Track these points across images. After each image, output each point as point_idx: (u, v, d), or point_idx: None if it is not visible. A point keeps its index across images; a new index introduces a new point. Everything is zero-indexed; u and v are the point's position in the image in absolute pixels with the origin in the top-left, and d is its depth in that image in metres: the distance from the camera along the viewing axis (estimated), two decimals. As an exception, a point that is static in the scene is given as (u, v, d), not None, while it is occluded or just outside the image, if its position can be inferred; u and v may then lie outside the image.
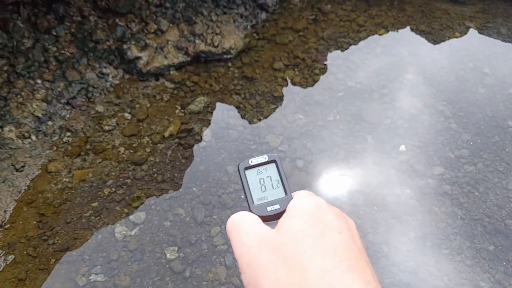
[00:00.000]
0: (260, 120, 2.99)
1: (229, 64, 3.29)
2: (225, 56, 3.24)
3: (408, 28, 3.73)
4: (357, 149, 2.87)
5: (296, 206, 0.57)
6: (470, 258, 2.40)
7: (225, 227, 2.42)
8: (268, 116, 3.02)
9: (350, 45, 3.55)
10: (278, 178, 0.64)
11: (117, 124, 2.86)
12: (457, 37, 3.69)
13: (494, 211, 2.58)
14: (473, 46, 3.66)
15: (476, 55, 3.57)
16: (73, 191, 2.58)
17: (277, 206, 0.60)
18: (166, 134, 2.81)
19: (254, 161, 0.65)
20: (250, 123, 2.97)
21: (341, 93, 3.20)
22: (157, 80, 3.10)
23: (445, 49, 3.61)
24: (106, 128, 2.83)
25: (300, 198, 0.59)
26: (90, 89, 2.97)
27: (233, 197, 2.56)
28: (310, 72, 3.31)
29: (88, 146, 2.76)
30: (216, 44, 3.16)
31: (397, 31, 3.71)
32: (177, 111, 2.97)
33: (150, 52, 3.04)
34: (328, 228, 0.52)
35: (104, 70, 3.03)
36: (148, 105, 2.98)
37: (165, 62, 3.05)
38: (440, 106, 3.13)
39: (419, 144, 2.90)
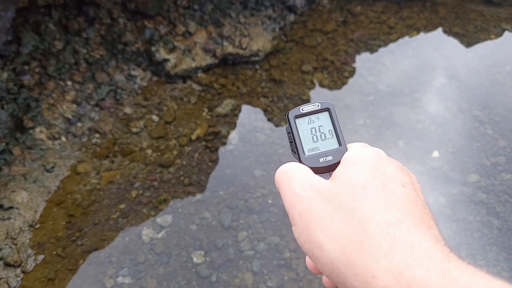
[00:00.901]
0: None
1: (257, 66, 3.25)
2: (252, 59, 3.21)
3: (440, 30, 3.62)
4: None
5: (353, 156, 0.52)
6: (507, 270, 2.30)
7: (252, 232, 2.39)
8: (296, 119, 2.97)
9: (381, 47, 3.48)
10: (332, 127, 0.58)
11: (145, 126, 2.87)
12: (492, 39, 3.57)
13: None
14: (509, 49, 3.53)
15: (510, 58, 3.44)
16: (101, 192, 2.59)
17: (330, 158, 0.55)
18: (193, 137, 2.79)
19: (305, 108, 0.60)
20: (277, 126, 2.93)
21: (371, 97, 3.13)
22: (184, 82, 3.10)
23: (480, 52, 3.49)
24: (134, 130, 2.84)
25: (357, 149, 0.54)
26: (119, 91, 2.98)
27: (260, 202, 2.52)
28: (339, 75, 3.25)
29: (116, 148, 2.77)
30: (244, 46, 3.14)
31: (430, 33, 3.61)
32: (204, 113, 2.95)
33: (178, 54, 3.03)
34: (390, 180, 0.48)
35: (133, 72, 3.04)
36: (176, 107, 2.98)
37: (193, 65, 3.04)
38: (475, 111, 3.02)
39: (453, 150, 2.80)
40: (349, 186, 0.48)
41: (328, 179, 0.51)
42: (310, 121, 0.60)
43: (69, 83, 2.89)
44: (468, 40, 3.56)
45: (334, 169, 0.53)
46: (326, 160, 0.55)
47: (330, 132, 0.58)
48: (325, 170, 0.55)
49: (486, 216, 2.50)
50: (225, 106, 2.99)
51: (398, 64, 3.37)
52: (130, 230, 2.43)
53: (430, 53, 3.45)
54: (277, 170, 0.54)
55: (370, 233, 0.43)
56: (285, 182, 0.52)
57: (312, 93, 3.12)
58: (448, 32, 3.62)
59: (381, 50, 3.46)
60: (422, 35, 3.59)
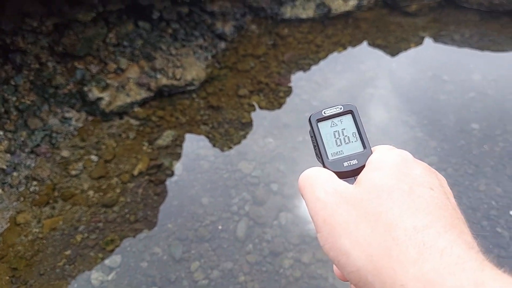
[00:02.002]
0: (230, 148, 2.98)
1: (194, 95, 3.29)
2: (188, 88, 3.24)
3: (365, 43, 3.83)
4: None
5: (378, 160, 0.51)
6: None
7: (204, 261, 2.37)
8: (238, 143, 3.01)
9: (311, 65, 3.62)
10: (355, 130, 0.57)
11: (84, 168, 2.80)
12: (412, 48, 3.81)
13: (469, 214, 2.62)
14: (429, 55, 3.78)
15: (433, 63, 3.68)
16: (44, 241, 2.48)
17: (354, 161, 0.54)
18: (135, 172, 2.76)
19: (327, 112, 0.58)
20: (221, 152, 2.96)
21: (307, 114, 3.23)
22: (121, 118, 3.07)
23: (403, 61, 3.71)
24: (73, 172, 2.76)
25: (382, 151, 0.53)
26: (54, 135, 2.90)
27: (210, 229, 2.51)
28: (275, 96, 3.34)
29: (56, 193, 2.68)
30: (178, 77, 3.16)
31: (355, 48, 3.80)
32: (144, 147, 2.93)
33: (112, 91, 3.01)
34: (418, 184, 0.46)
35: (67, 115, 2.98)
36: (115, 144, 2.94)
37: (128, 100, 3.03)
38: (404, 117, 3.19)
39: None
40: (375, 191, 0.46)
41: (353, 183, 0.50)
42: (333, 124, 0.58)
43: (0, 132, 2.78)
44: (391, 51, 3.78)
45: (359, 173, 0.51)
46: (351, 164, 0.54)
47: (354, 135, 0.57)
48: (350, 174, 0.54)
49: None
50: (166, 137, 2.98)
51: (328, 80, 3.51)
52: (78, 276, 2.34)
53: (357, 66, 3.63)
54: (301, 175, 0.53)
55: (398, 239, 0.41)
56: (309, 187, 0.51)
57: (251, 116, 3.18)
58: (372, 45, 3.82)
59: (312, 68, 3.60)
60: (348, 50, 3.78)
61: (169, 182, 2.77)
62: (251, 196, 2.66)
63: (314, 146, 0.59)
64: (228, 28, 3.67)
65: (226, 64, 3.55)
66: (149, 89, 3.12)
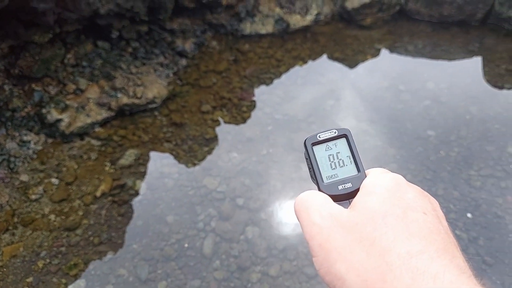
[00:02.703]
0: (195, 164, 2.98)
1: (156, 113, 3.27)
2: (150, 106, 3.23)
3: (323, 57, 3.92)
4: (293, 178, 2.92)
5: (372, 184, 0.51)
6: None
7: (171, 280, 2.34)
8: (202, 159, 3.01)
9: (272, 79, 3.67)
10: (350, 154, 0.58)
11: (45, 191, 2.73)
12: (369, 59, 3.93)
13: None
14: (385, 66, 3.90)
15: (389, 74, 3.80)
16: (5, 269, 2.40)
17: (349, 185, 0.54)
18: (98, 194, 2.71)
19: (322, 136, 0.59)
20: (185, 168, 2.95)
21: (270, 127, 3.27)
22: (82, 139, 3.02)
23: (361, 72, 3.82)
24: (33, 197, 2.69)
25: (376, 175, 0.53)
26: (12, 159, 2.83)
27: (176, 248, 2.49)
28: (238, 111, 3.37)
29: (15, 219, 2.60)
30: (139, 95, 3.15)
31: (315, 61, 3.89)
32: (107, 168, 2.89)
33: (71, 112, 2.97)
34: (411, 208, 0.47)
35: (25, 138, 2.91)
36: (76, 166, 2.88)
37: (88, 121, 2.99)
38: (364, 126, 3.28)
39: (350, 165, 3.00)
40: (369, 215, 0.47)
41: (347, 206, 0.51)
42: (328, 148, 0.59)
43: (-47, 159, 2.69)
44: (349, 63, 3.88)
45: (353, 196, 0.52)
46: (345, 187, 0.54)
47: (348, 159, 0.58)
48: (345, 197, 0.54)
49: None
50: (128, 157, 2.95)
51: (290, 93, 3.57)
52: (40, 304, 2.27)
53: (318, 79, 3.71)
54: (296, 199, 0.53)
55: (392, 264, 0.42)
56: (304, 211, 0.51)
57: (215, 131, 3.19)
58: (331, 58, 3.92)
59: (273, 82, 3.66)
60: (308, 63, 3.86)
61: (133, 202, 2.73)
62: (217, 211, 2.66)
63: (309, 169, 0.59)
64: (188, 45, 3.69)
65: (188, 80, 3.56)
66: (109, 108, 3.08)
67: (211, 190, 2.80)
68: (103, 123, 3.11)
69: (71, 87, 3.05)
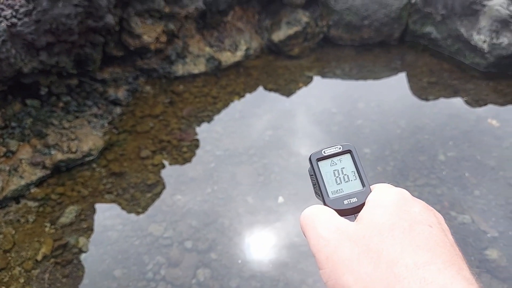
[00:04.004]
0: (138, 212, 2.93)
1: (94, 165, 3.21)
2: (87, 159, 3.17)
3: (258, 89, 4.02)
4: (240, 213, 2.93)
5: (378, 198, 0.52)
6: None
7: (124, 337, 2.26)
8: (146, 206, 2.97)
9: (210, 117, 3.71)
10: (354, 169, 0.59)
11: (-20, 263, 2.58)
12: (301, 87, 4.06)
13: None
14: (317, 91, 4.05)
15: (322, 98, 3.95)
16: None
17: (354, 199, 0.55)
18: (39, 257, 2.60)
19: (327, 151, 0.60)
20: (129, 219, 2.89)
21: (212, 164, 3.29)
22: (18, 203, 2.90)
23: (295, 100, 3.94)
24: (-32, 271, 2.54)
25: (381, 189, 0.54)
26: None
27: (127, 301, 2.41)
28: (178, 152, 3.37)
29: (-51, 298, 2.43)
30: (74, 150, 3.08)
31: (250, 94, 3.98)
32: (47, 229, 2.78)
33: (3, 176, 2.85)
34: (417, 221, 0.48)
35: (-46, 209, 2.76)
36: (13, 232, 2.75)
37: (22, 182, 2.88)
38: (303, 152, 3.36)
39: (294, 192, 3.06)
40: (376, 228, 0.47)
41: (353, 221, 0.51)
42: (333, 163, 0.60)
43: None
44: (283, 93, 4.00)
45: (359, 211, 0.53)
46: (351, 202, 0.55)
47: (353, 174, 0.59)
48: (350, 212, 0.55)
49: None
50: (69, 214, 2.86)
51: (229, 128, 3.62)
52: None
53: (254, 111, 3.79)
54: (302, 214, 0.54)
55: (399, 275, 0.42)
56: (311, 225, 0.51)
57: (156, 176, 3.16)
58: (265, 89, 4.03)
59: (212, 119, 3.70)
60: (244, 97, 3.94)
61: (78, 260, 2.63)
62: (166, 258, 2.62)
63: (314, 185, 0.61)
64: (121, 93, 3.68)
65: (124, 128, 3.53)
66: (44, 167, 2.99)
67: (157, 237, 2.75)
68: (39, 182, 3.01)
69: (1, 150, 2.94)
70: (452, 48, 4.09)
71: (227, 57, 4.16)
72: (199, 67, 4.05)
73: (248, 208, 2.96)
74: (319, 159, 0.61)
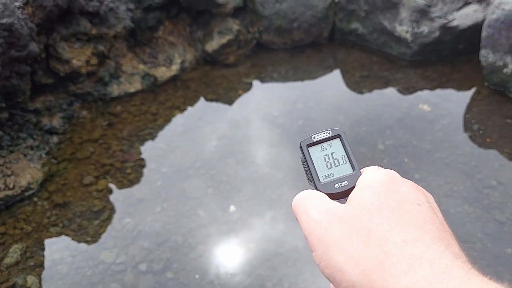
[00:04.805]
0: (88, 241, 2.84)
1: (35, 199, 3.08)
2: (27, 194, 3.03)
3: (198, 101, 4.01)
4: (193, 228, 2.91)
5: (367, 179, 0.53)
6: None
7: None
8: (95, 234, 2.88)
9: (152, 134, 3.66)
10: (344, 153, 0.59)
11: None
12: (241, 94, 4.10)
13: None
14: (257, 97, 4.10)
15: (262, 103, 4.00)
16: None
17: (345, 183, 0.56)
18: (-16, 304, 2.46)
19: (317, 137, 0.61)
20: (78, 249, 2.79)
21: (159, 182, 3.24)
22: (-46, 250, 2.73)
23: (237, 108, 3.97)
24: None
25: (370, 172, 0.55)
26: None
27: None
28: (123, 174, 3.29)
29: None
30: (11, 186, 2.95)
31: (190, 107, 3.96)
32: (-10, 273, 2.63)
33: None
34: (406, 200, 0.49)
35: None
36: (-47, 281, 2.59)
37: (-43, 228, 2.72)
38: (250, 158, 3.39)
39: (245, 198, 3.07)
40: (365, 208, 0.48)
41: (344, 203, 0.52)
42: (323, 148, 0.60)
43: None
44: (223, 101, 4.02)
45: (349, 194, 0.53)
46: (342, 185, 0.56)
47: (343, 158, 0.59)
48: (341, 195, 0.56)
49: (294, 242, 2.78)
50: (13, 253, 2.72)
51: (172, 143, 3.59)
52: None
53: (197, 123, 3.78)
54: (294, 199, 0.54)
55: (389, 252, 0.43)
56: (302, 209, 0.52)
57: (102, 202, 3.08)
58: (205, 100, 4.03)
59: (154, 136, 3.65)
60: (184, 111, 3.92)
61: (27, 301, 2.52)
62: (121, 284, 2.55)
63: (306, 171, 0.61)
64: (56, 121, 3.56)
65: (63, 157, 3.41)
66: (-20, 208, 2.84)
67: (109, 264, 2.68)
68: (-24, 225, 2.85)
69: None
70: (378, 41, 4.27)
71: (163, 72, 4.12)
72: (135, 85, 3.99)
73: (200, 222, 2.94)
74: (309, 145, 0.62)
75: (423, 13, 3.86)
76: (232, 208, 3.01)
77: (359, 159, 2.79)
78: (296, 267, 2.63)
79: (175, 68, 4.19)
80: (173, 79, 4.23)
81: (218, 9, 4.21)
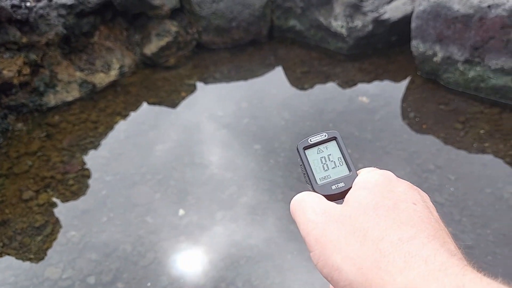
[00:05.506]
0: (31, 259, 2.71)
1: (-30, 220, 2.90)
2: (-40, 215, 2.86)
3: (140, 105, 3.93)
4: (141, 235, 2.85)
5: (363, 180, 0.54)
6: None
7: None
8: (38, 250, 2.76)
9: (94, 143, 3.55)
10: (341, 155, 0.60)
11: None
12: (185, 96, 4.06)
13: (280, 224, 2.87)
14: (201, 98, 4.07)
15: (206, 104, 3.98)
16: None
17: (342, 184, 0.57)
18: None
19: (313, 139, 0.62)
20: (21, 268, 2.66)
21: (104, 191, 3.15)
22: None
23: (180, 110, 3.92)
24: None
25: (366, 173, 0.56)
26: None
27: None
28: (64, 186, 3.17)
29: None
30: None
31: (133, 112, 3.88)
32: None
33: None
34: (401, 200, 0.49)
35: None
36: None
37: None
38: (196, 160, 3.36)
39: (194, 201, 3.05)
40: (361, 208, 0.49)
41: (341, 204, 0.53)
42: (319, 151, 0.61)
43: None
44: (167, 104, 3.96)
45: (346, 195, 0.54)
46: (338, 187, 0.57)
47: (339, 160, 0.60)
48: (338, 196, 0.57)
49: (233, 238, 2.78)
50: None
51: (115, 150, 3.49)
52: None
53: (140, 128, 3.70)
54: (292, 200, 0.55)
55: (385, 251, 0.43)
56: (300, 210, 0.53)
57: (44, 217, 2.95)
58: (147, 103, 3.95)
59: (95, 145, 3.54)
60: (126, 116, 3.83)
61: (-33, 328, 2.37)
62: (68, 300, 2.46)
63: (304, 174, 0.62)
64: (-11, 136, 3.37)
65: (-1, 173, 3.24)
66: None
67: (55, 280, 2.57)
68: None
69: None
70: (316, 37, 4.37)
71: (101, 79, 4.01)
72: (73, 94, 3.85)
73: (149, 229, 2.88)
74: (306, 148, 0.63)
75: (356, 8, 3.98)
76: (182, 212, 2.98)
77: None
78: (249, 265, 2.64)
79: (114, 74, 4.08)
80: (113, 84, 4.12)
81: (154, 11, 4.14)
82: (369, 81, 4.05)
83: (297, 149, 0.64)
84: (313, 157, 0.62)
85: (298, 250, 2.69)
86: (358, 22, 4.01)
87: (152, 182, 3.19)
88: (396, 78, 4.04)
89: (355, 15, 4.01)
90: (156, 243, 2.79)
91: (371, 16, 3.96)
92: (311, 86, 4.07)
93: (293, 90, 4.08)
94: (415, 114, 3.62)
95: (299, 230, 0.53)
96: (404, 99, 3.80)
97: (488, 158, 3.15)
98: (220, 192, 3.11)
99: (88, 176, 3.27)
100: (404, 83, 3.98)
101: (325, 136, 0.63)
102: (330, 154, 0.62)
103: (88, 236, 2.84)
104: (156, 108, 3.94)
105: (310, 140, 0.63)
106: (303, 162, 0.62)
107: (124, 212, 2.99)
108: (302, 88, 4.07)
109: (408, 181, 0.55)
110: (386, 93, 3.91)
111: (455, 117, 3.50)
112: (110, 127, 3.71)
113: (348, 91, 3.98)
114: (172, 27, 4.26)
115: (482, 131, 3.33)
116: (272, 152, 3.41)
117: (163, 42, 4.20)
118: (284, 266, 2.62)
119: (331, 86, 4.06)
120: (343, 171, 0.60)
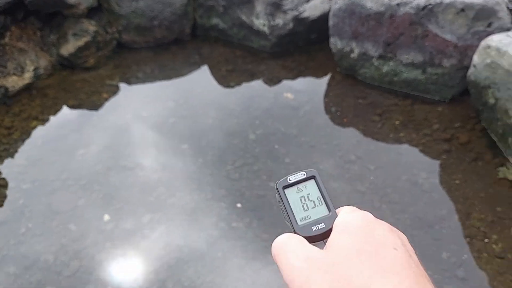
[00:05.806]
0: None
1: None
2: None
3: (59, 109, 3.75)
4: (64, 243, 2.72)
5: (343, 222, 0.54)
6: None
7: None
8: None
9: (8, 150, 3.34)
10: (319, 194, 0.60)
11: None
12: (107, 98, 3.92)
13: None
14: (124, 99, 3.95)
15: (130, 105, 3.87)
16: None
17: (322, 225, 0.56)
18: None
19: (292, 178, 0.61)
20: None
21: (21, 200, 2.97)
22: None
23: (102, 112, 3.78)
24: None
25: (346, 213, 0.56)
26: None
27: None
28: (-24, 198, 2.95)
29: None
30: None
31: (51, 116, 3.69)
32: None
33: None
34: (381, 244, 0.50)
35: None
36: None
37: None
38: (122, 163, 3.26)
39: (119, 206, 2.95)
40: (343, 255, 0.49)
41: (322, 247, 0.52)
42: (299, 190, 0.61)
43: None
44: (87, 106, 3.80)
45: (327, 236, 0.54)
46: (319, 228, 0.56)
47: (319, 199, 0.60)
48: (319, 238, 0.56)
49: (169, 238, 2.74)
50: None
51: (32, 157, 3.30)
52: None
53: (59, 133, 3.53)
54: (273, 243, 0.55)
55: None
56: (282, 255, 0.52)
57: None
58: (67, 107, 3.77)
59: (10, 152, 3.32)
60: (44, 121, 3.63)
61: None
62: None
63: (282, 211, 0.61)
64: None
65: None
66: None
67: (-32, 299, 2.38)
68: None
69: None
70: (239, 35, 4.40)
71: (14, 82, 3.76)
72: (-18, 98, 3.58)
73: (72, 236, 2.76)
74: (285, 187, 0.62)
75: (276, 6, 4.06)
76: (107, 217, 2.88)
77: (233, 151, 2.84)
78: (179, 266, 2.61)
79: (28, 76, 3.85)
80: (28, 87, 3.88)
81: (69, 10, 3.96)
82: (293, 78, 4.16)
83: (277, 188, 0.63)
84: (292, 196, 0.62)
85: (228, 248, 2.70)
86: (279, 20, 4.09)
87: (75, 188, 3.06)
88: (318, 74, 4.17)
89: (276, 13, 4.09)
90: (81, 251, 2.67)
91: (291, 14, 4.06)
92: (237, 84, 4.09)
93: (219, 88, 4.08)
94: (336, 109, 3.77)
95: (281, 274, 0.53)
96: (326, 94, 3.94)
97: (404, 147, 3.36)
98: (147, 195, 3.04)
99: (4, 186, 3.06)
100: (325, 79, 4.12)
101: (304, 175, 0.63)
102: (309, 194, 0.62)
103: (6, 249, 2.66)
104: (76, 111, 3.77)
105: (289, 179, 0.63)
106: (283, 202, 0.62)
107: (44, 221, 2.83)
108: (228, 86, 4.08)
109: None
110: (309, 89, 4.03)
111: (373, 110, 3.69)
112: (26, 133, 3.49)
113: (273, 88, 4.05)
114: (90, 26, 4.10)
115: (397, 122, 3.54)
116: (200, 151, 3.39)
117: (81, 42, 4.03)
118: (214, 264, 2.62)
119: (257, 83, 4.12)
120: (322, 211, 0.60)
